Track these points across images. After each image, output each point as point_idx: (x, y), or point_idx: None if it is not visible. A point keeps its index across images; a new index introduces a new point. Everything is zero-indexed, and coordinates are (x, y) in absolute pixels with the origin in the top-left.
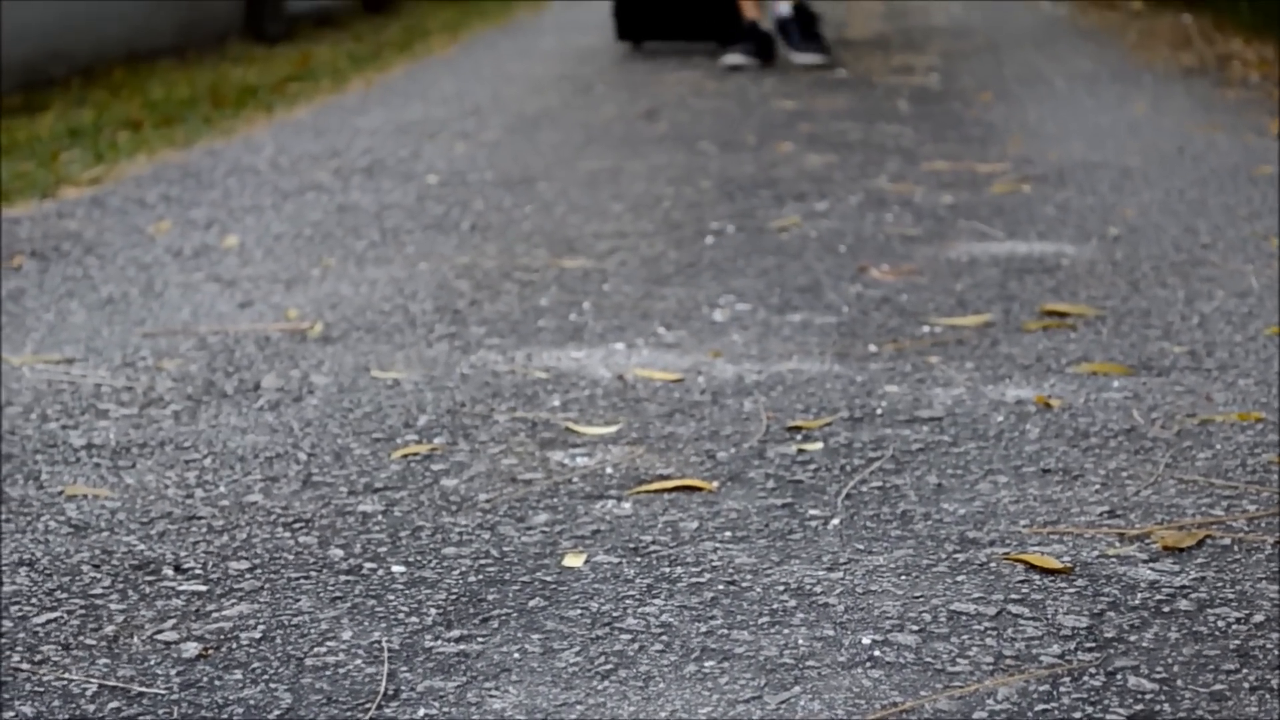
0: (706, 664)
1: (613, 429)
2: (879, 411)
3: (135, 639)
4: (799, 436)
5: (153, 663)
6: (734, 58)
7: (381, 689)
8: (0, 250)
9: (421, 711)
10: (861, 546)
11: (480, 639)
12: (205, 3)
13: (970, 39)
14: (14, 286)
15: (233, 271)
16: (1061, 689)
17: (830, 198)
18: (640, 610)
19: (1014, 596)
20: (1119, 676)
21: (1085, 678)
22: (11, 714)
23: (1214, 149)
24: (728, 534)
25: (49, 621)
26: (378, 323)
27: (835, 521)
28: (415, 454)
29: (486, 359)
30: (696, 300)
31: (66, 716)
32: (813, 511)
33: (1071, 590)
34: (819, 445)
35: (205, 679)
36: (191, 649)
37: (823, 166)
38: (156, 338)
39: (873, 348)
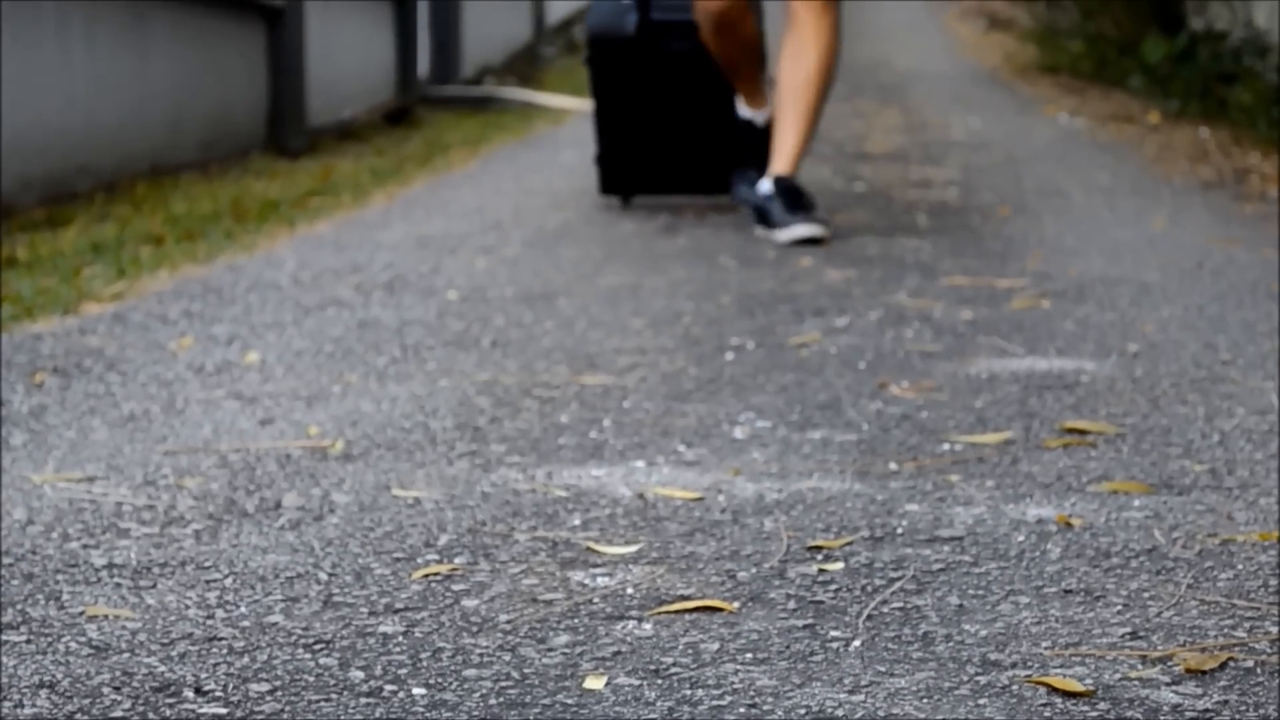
0: None
1: (633, 548)
2: (900, 530)
3: None
4: (820, 556)
5: None
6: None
7: None
8: (15, 366)
9: None
10: (883, 668)
11: None
12: (228, 117)
13: (989, 152)
14: (36, 403)
15: (254, 388)
16: None
17: (850, 313)
18: None
19: None
20: None
21: None
22: None
23: (1233, 264)
24: (749, 655)
25: None
26: (399, 440)
27: (857, 643)
28: (436, 574)
29: (507, 477)
30: (717, 417)
31: None
32: (834, 633)
33: (1094, 714)
34: (840, 565)
35: None
36: None
37: (842, 282)
38: (178, 455)
39: (893, 466)
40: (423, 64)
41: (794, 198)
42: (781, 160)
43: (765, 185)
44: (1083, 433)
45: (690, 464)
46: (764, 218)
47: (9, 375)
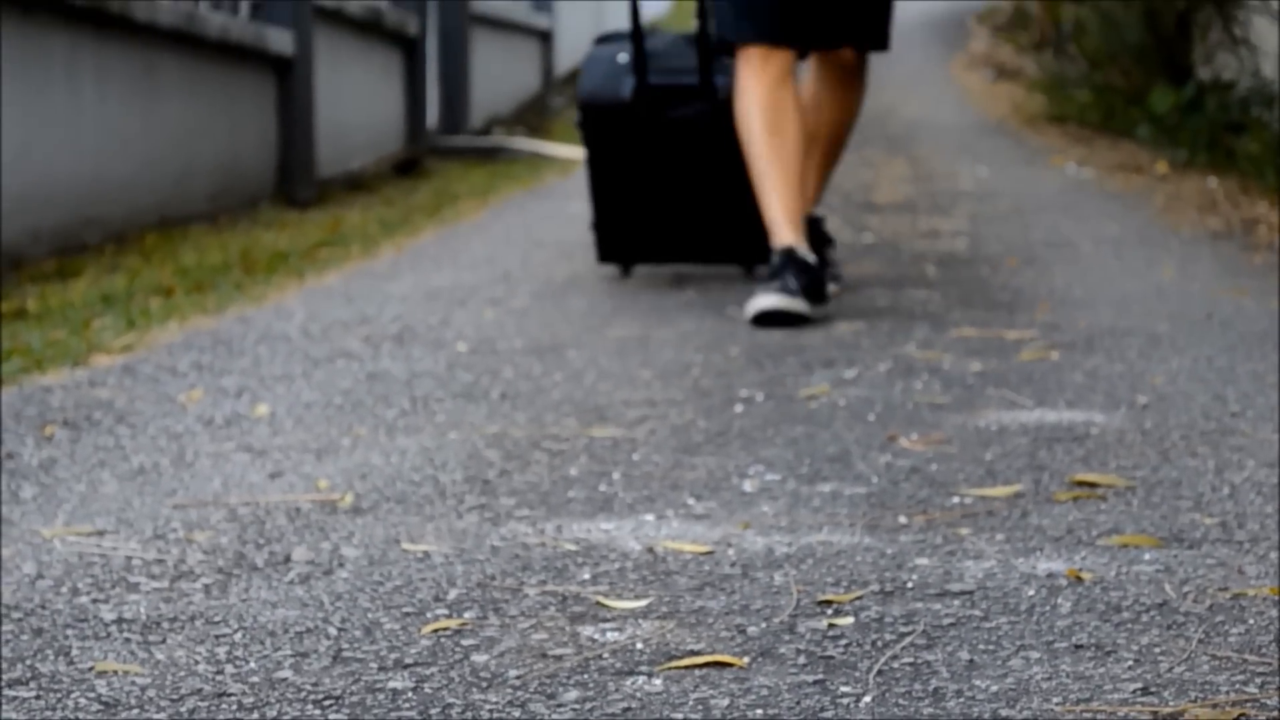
0: None
1: (643, 603)
2: (910, 585)
3: None
4: (830, 611)
5: None
6: (766, 301)
7: None
8: (25, 419)
9: None
10: None
11: None
12: (237, 168)
13: (997, 203)
14: (46, 456)
15: (263, 441)
16: None
17: (859, 365)
18: None
19: None
20: None
21: None
22: None
23: (1242, 314)
24: (759, 712)
25: None
26: (408, 493)
27: (867, 699)
28: (445, 629)
29: (516, 531)
30: (726, 470)
31: None
32: (844, 688)
33: None
34: (850, 620)
35: None
36: None
37: (851, 333)
38: (187, 509)
39: (903, 519)
40: (431, 114)
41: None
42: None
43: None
44: (1093, 485)
45: (700, 517)
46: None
47: (19, 428)
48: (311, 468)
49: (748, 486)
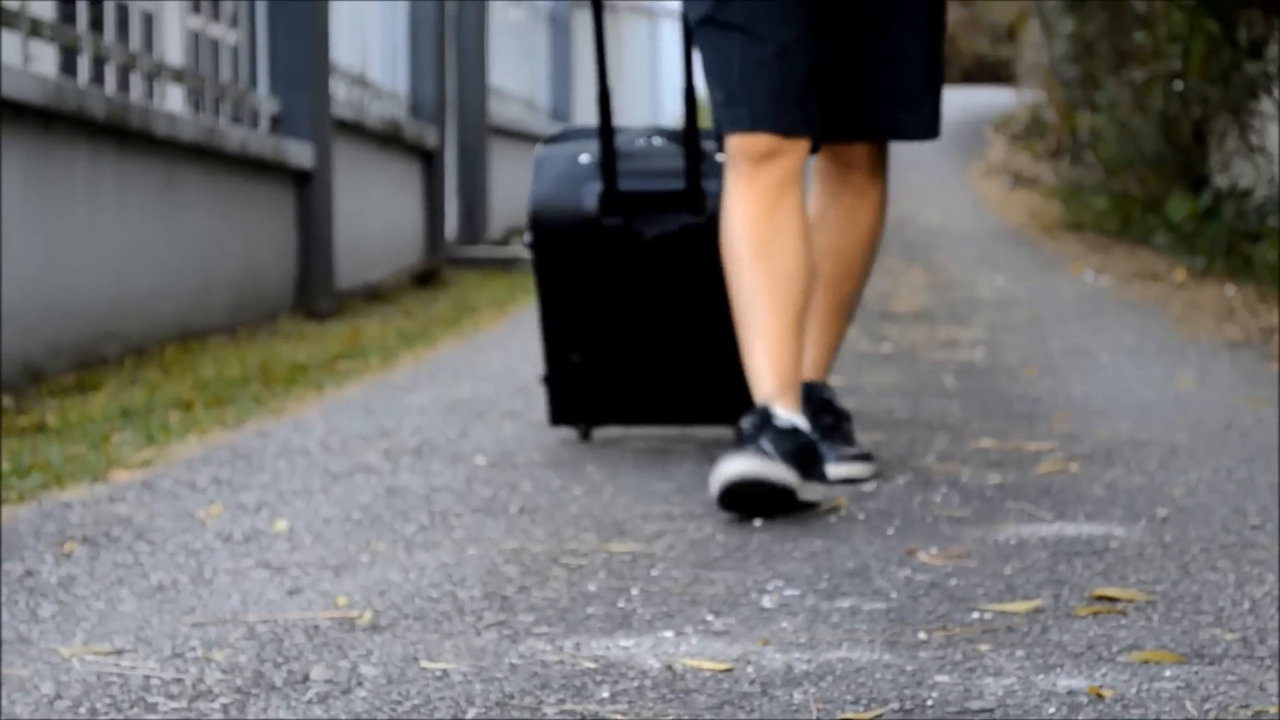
0: None
1: None
2: (929, 703)
3: None
4: None
5: None
6: (736, 466)
7: None
8: (44, 535)
9: None
10: None
11: None
12: (257, 280)
13: (1015, 311)
14: (65, 573)
15: (282, 557)
16: None
17: (878, 478)
18: None
19: None
20: None
21: None
22: None
23: (1261, 425)
24: None
25: None
26: (426, 610)
27: None
28: None
29: (535, 648)
30: (745, 585)
31: None
32: None
33: None
34: None
35: None
36: None
37: (869, 445)
38: (206, 627)
39: (922, 635)
40: (450, 225)
41: (823, 419)
42: (809, 364)
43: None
44: (1113, 600)
45: (719, 634)
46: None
47: (39, 545)
48: (330, 584)
49: (767, 602)
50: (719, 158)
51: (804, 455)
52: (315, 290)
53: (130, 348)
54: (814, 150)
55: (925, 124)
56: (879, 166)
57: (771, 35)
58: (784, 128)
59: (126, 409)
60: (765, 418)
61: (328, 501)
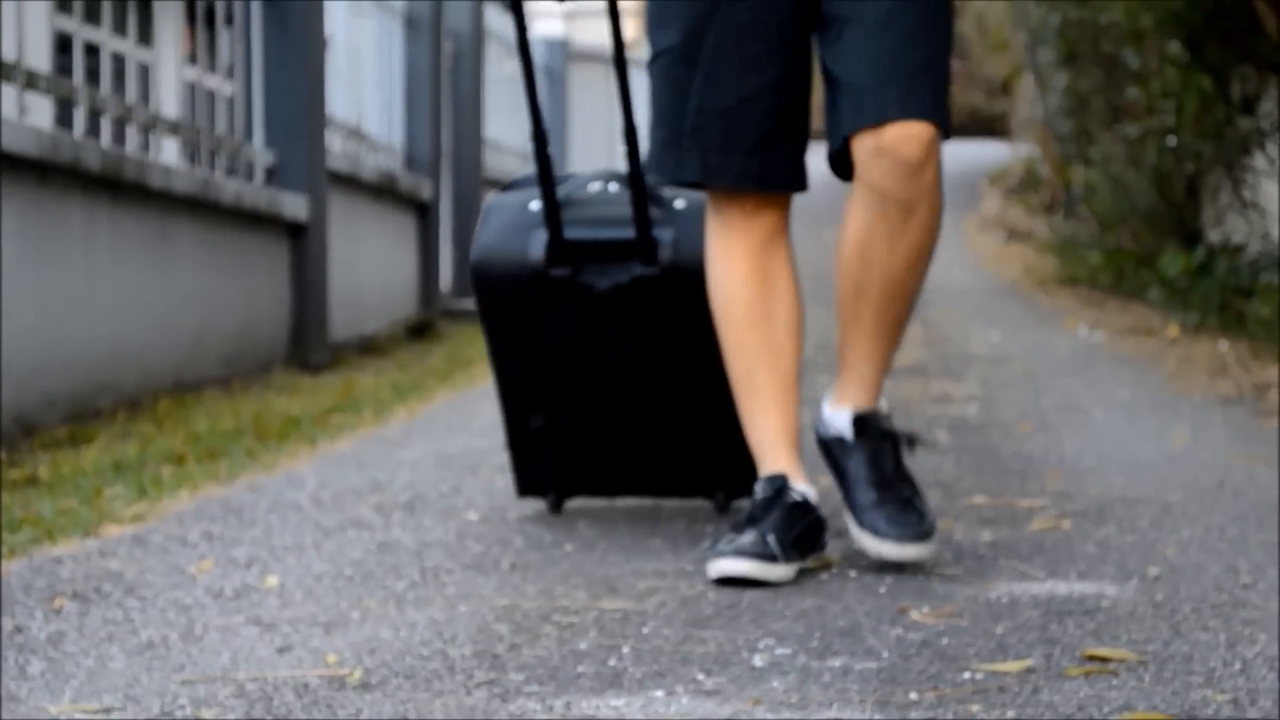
0: None
1: None
2: None
3: None
4: None
5: None
6: (735, 566)
7: None
8: (35, 591)
9: None
10: None
11: None
12: (251, 332)
13: (1009, 367)
14: (55, 630)
15: (273, 614)
16: None
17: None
18: None
19: None
20: None
21: None
22: None
23: (1254, 482)
24: None
25: None
26: (417, 668)
27: None
28: None
29: (525, 707)
30: (736, 644)
31: None
32: None
33: None
34: None
35: None
36: None
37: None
38: (195, 685)
39: (914, 695)
40: (445, 277)
41: (885, 467)
42: (860, 390)
43: (842, 418)
44: (1104, 660)
45: (710, 693)
46: (837, 472)
47: (29, 600)
48: (320, 642)
49: (758, 661)
50: (677, 204)
51: (808, 535)
52: (309, 342)
53: (124, 399)
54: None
55: (924, 102)
56: (930, 154)
57: (737, 83)
58: (737, 182)
59: (119, 462)
60: (779, 492)
61: (319, 557)
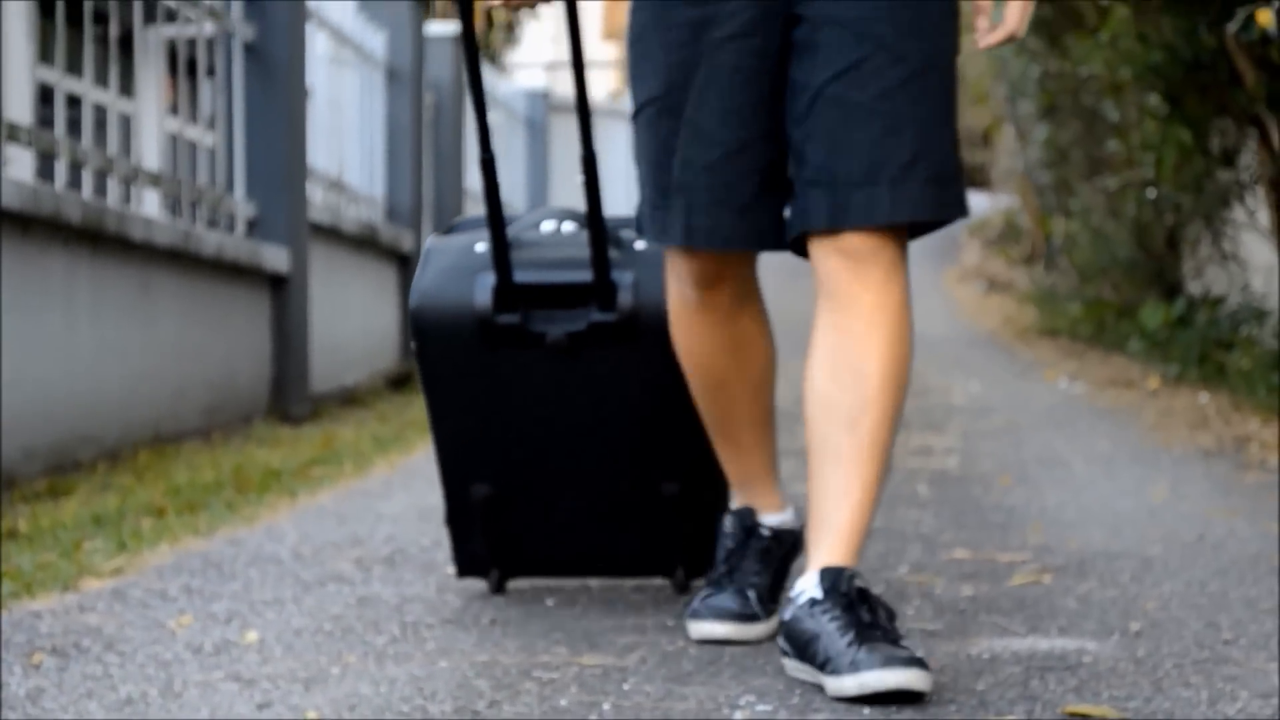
0: None
1: None
2: None
3: None
4: None
5: None
6: (713, 629)
7: None
8: (13, 646)
9: None
10: None
11: None
12: (231, 384)
13: (989, 419)
14: (33, 685)
15: (252, 669)
16: None
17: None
18: None
19: None
20: None
21: None
22: None
23: (1234, 536)
24: None
25: None
26: None
27: None
28: None
29: None
30: (717, 700)
31: None
32: None
33: None
34: None
35: None
36: None
37: None
38: None
39: None
40: None
41: (860, 614)
42: (832, 543)
43: (808, 586)
44: (1086, 716)
45: None
46: (805, 648)
47: (8, 656)
48: (300, 698)
49: (739, 716)
50: (637, 245)
51: (786, 569)
52: (290, 394)
53: (104, 451)
54: (793, 248)
55: (914, 200)
56: (896, 260)
57: (723, 135)
58: (727, 243)
59: (99, 515)
60: (749, 532)
61: (299, 612)
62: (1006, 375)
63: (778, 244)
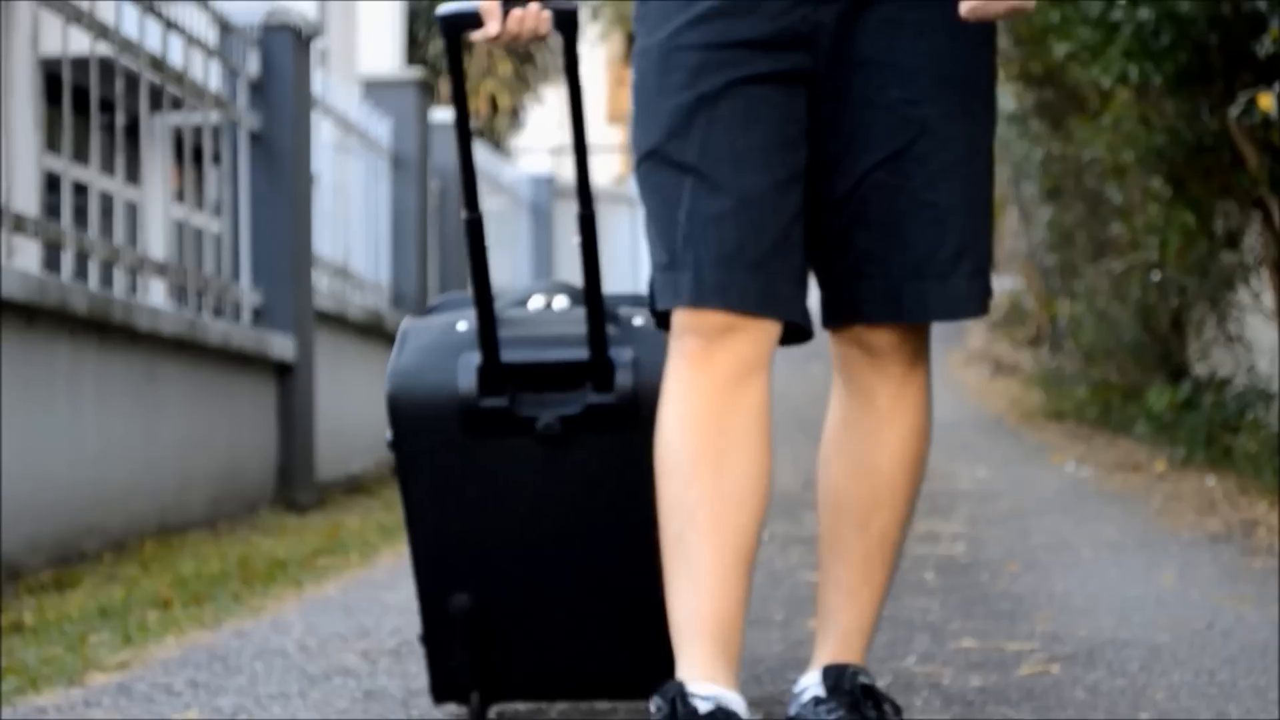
0: None
1: None
2: None
3: None
4: None
5: None
6: None
7: None
8: None
9: None
10: None
11: None
12: (237, 473)
13: (996, 504)
14: None
15: None
16: None
17: None
18: None
19: None
20: None
21: None
22: None
23: (1242, 623)
24: None
25: None
26: None
27: None
28: None
29: None
30: None
31: None
32: None
33: None
34: None
35: None
36: None
37: None
38: None
39: None
40: None
41: (865, 712)
42: (837, 641)
43: (811, 684)
44: None
45: None
46: None
47: None
48: None
49: None
50: (636, 321)
51: None
52: (296, 482)
53: (109, 542)
54: (802, 338)
55: (959, 297)
56: (919, 353)
57: (732, 182)
58: (740, 302)
59: (104, 607)
60: (677, 704)
61: (305, 706)
62: (1013, 459)
63: (791, 314)
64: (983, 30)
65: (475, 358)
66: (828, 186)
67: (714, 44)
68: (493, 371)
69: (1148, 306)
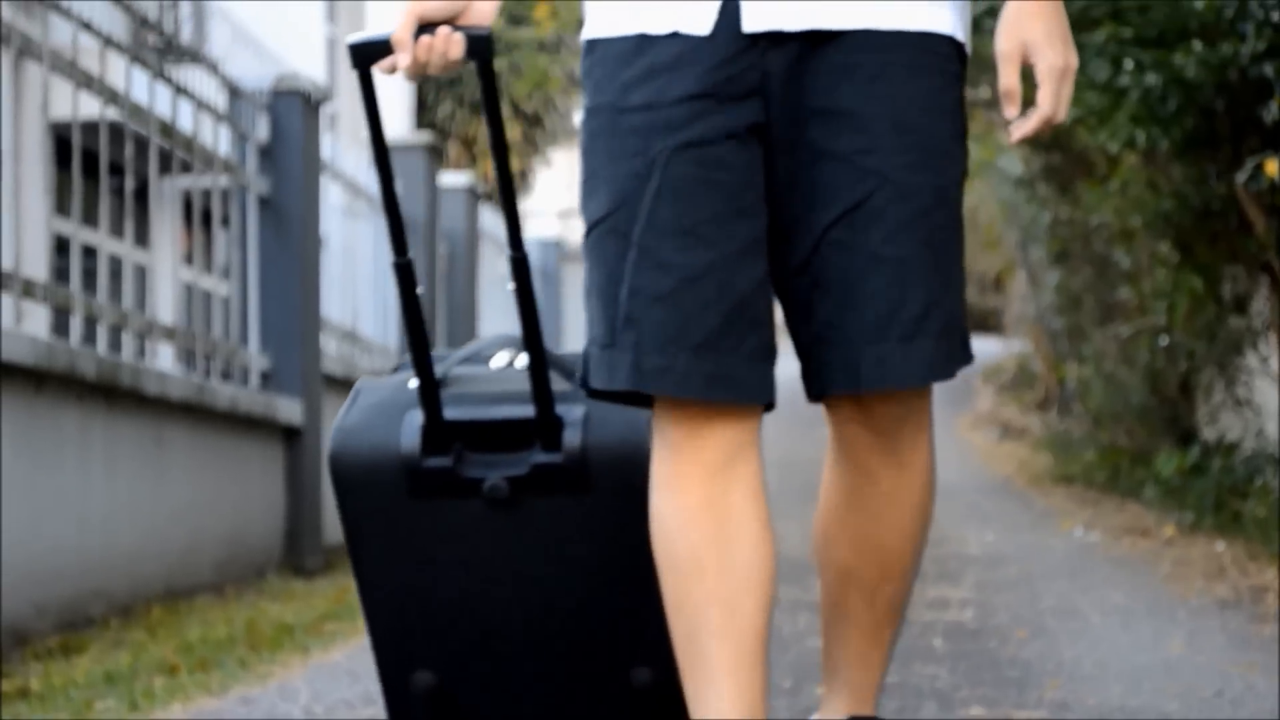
0: None
1: None
2: None
3: None
4: None
5: None
6: None
7: None
8: None
9: None
10: None
11: None
12: (244, 537)
13: (1005, 569)
14: None
15: None
16: None
17: None
18: None
19: None
20: None
21: None
22: None
23: (1252, 691)
24: None
25: None
26: None
27: None
28: None
29: None
30: None
31: None
32: None
33: None
34: None
35: None
36: None
37: None
38: None
39: None
40: None
41: None
42: (849, 697)
43: None
44: None
45: None
46: None
47: None
48: None
49: None
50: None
51: None
52: (303, 547)
53: (116, 607)
54: (769, 407)
55: (924, 360)
56: (921, 426)
57: (677, 259)
58: (679, 388)
59: (111, 673)
60: None
61: None
62: (1021, 524)
63: (750, 394)
64: (946, 73)
65: (418, 417)
66: (789, 250)
67: (663, 102)
68: (436, 429)
69: (1156, 370)
